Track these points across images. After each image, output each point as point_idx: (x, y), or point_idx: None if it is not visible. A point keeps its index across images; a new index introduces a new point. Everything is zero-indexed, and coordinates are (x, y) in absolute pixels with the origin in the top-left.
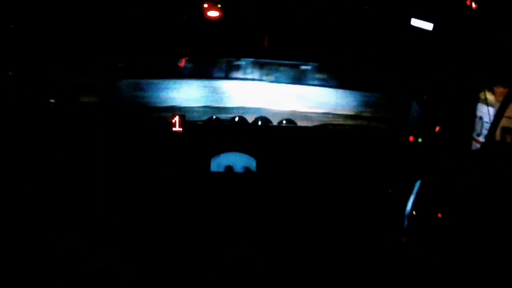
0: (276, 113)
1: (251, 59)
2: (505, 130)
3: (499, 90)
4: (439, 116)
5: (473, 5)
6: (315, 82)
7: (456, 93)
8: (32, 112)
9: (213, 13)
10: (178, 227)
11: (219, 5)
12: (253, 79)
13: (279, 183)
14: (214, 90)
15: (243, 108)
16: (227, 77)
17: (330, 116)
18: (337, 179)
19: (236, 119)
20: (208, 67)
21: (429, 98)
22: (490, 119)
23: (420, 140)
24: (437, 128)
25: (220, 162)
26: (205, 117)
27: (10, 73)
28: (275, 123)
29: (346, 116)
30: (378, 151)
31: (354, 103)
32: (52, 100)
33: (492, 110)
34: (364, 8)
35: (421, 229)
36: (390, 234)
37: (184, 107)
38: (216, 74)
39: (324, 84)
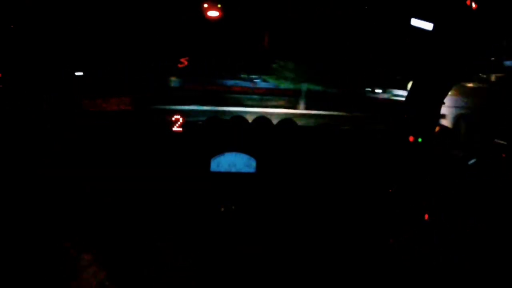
0: None
1: None
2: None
3: None
4: (437, 116)
5: (473, 5)
6: None
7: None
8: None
9: (213, 13)
10: (178, 227)
11: (219, 5)
12: None
13: (279, 183)
14: None
15: None
16: None
17: None
18: (338, 179)
19: (236, 119)
20: None
21: (429, 97)
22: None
23: (420, 140)
24: (437, 128)
25: (220, 162)
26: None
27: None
28: (275, 123)
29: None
30: (378, 151)
31: None
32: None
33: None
34: (364, 8)
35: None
36: (391, 234)
37: None
38: None
39: None
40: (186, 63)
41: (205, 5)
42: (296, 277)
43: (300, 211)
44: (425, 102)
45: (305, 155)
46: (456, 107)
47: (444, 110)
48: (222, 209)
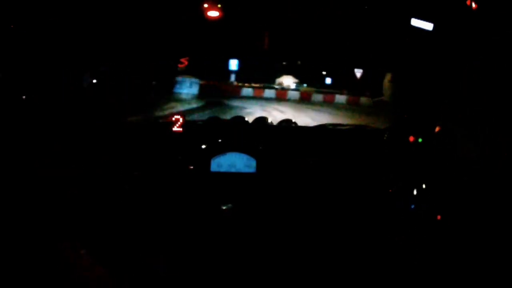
0: None
1: None
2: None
3: None
4: (438, 116)
5: (473, 5)
6: None
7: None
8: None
9: (213, 13)
10: (177, 227)
11: (219, 5)
12: None
13: (279, 183)
14: None
15: None
16: None
17: None
18: (338, 179)
19: (236, 119)
20: None
21: (429, 97)
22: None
23: (420, 140)
24: (437, 128)
25: (220, 162)
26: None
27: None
28: (275, 123)
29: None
30: (378, 151)
31: None
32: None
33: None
34: (364, 8)
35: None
36: (391, 234)
37: None
38: None
39: None
40: (186, 63)
41: (205, 5)
42: (297, 277)
43: (301, 211)
44: (425, 102)
45: (305, 155)
46: None
47: None
48: (223, 209)
